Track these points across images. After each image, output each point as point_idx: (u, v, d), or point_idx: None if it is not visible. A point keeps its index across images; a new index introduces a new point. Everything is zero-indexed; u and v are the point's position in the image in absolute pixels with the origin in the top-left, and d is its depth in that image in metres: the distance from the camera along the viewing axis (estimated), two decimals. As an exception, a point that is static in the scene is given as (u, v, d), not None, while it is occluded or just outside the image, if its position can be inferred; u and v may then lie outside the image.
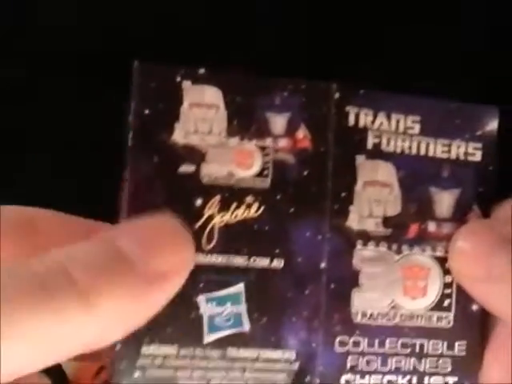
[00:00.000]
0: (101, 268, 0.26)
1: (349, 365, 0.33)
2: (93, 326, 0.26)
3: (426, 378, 0.34)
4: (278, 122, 0.32)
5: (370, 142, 0.34)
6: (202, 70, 0.32)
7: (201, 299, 0.31)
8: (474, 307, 0.34)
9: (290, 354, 0.32)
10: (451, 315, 0.34)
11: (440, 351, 0.34)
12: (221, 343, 0.31)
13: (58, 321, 0.25)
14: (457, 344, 0.34)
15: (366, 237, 0.33)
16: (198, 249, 0.31)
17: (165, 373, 0.31)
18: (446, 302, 0.34)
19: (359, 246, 0.33)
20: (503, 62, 0.39)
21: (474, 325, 0.34)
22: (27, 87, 0.39)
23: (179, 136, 0.31)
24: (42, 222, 0.33)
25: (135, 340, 0.30)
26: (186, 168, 0.31)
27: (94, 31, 0.35)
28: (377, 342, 0.33)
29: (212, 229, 0.31)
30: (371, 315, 0.33)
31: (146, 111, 0.31)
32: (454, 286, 0.34)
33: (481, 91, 0.35)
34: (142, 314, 0.28)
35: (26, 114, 0.40)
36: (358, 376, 0.33)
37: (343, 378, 0.33)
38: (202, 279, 0.31)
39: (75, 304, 0.25)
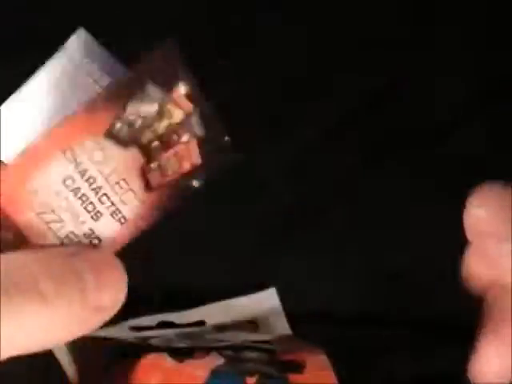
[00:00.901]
0: (59, 278, 0.30)
1: None
2: (45, 318, 0.29)
3: None
4: None
5: None
6: None
7: None
8: None
9: None
10: None
11: None
12: None
13: (17, 313, 0.29)
14: None
15: None
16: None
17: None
18: None
19: None
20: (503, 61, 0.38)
21: None
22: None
23: None
24: None
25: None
26: None
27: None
28: None
29: None
30: None
31: None
32: None
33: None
34: (80, 330, 0.30)
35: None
36: None
37: None
38: None
39: (34, 297, 0.29)
